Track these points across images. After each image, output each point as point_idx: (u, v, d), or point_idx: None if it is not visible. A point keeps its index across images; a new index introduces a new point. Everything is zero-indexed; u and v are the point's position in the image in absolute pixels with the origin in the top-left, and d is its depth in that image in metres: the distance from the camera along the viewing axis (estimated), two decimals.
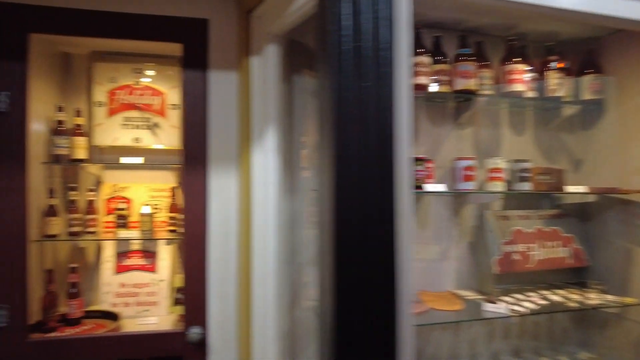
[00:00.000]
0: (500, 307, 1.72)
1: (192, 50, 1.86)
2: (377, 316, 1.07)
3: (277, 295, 1.71)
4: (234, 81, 1.87)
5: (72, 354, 1.78)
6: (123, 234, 2.15)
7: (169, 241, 2.23)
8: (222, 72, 1.87)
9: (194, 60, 1.86)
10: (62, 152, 2.13)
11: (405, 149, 1.12)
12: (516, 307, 1.78)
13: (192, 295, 1.85)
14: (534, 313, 1.77)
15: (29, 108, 1.76)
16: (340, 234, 1.05)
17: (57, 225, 2.08)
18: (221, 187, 1.87)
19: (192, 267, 1.85)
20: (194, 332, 1.81)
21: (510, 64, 1.99)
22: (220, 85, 1.87)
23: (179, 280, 2.06)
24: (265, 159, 1.71)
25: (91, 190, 2.23)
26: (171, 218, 2.32)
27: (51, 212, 2.07)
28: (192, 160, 1.85)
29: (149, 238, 2.19)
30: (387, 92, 1.09)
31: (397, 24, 1.10)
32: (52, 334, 1.94)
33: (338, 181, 1.05)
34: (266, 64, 1.72)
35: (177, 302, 2.05)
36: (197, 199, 1.84)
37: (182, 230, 2.15)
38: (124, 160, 2.19)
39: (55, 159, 2.12)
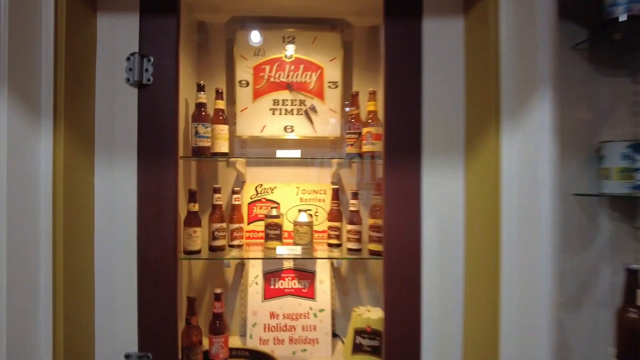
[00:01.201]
0: None
1: None
2: None
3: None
4: (459, 33, 1.25)
5: None
6: (280, 249, 1.62)
7: (336, 259, 1.66)
8: (442, 20, 1.26)
9: (400, 4, 1.26)
10: (204, 143, 1.65)
11: None
12: None
13: (395, 347, 1.26)
14: None
15: (178, 81, 1.27)
16: None
17: (198, 239, 1.60)
18: (440, 189, 1.26)
19: (397, 306, 1.26)
20: None
21: None
22: (439, 39, 1.26)
23: (360, 319, 1.48)
24: (531, 146, 1.06)
25: (235, 193, 1.73)
26: (331, 228, 1.76)
27: (192, 221, 1.60)
28: (397, 150, 1.26)
29: (312, 257, 1.64)
30: None
31: None
32: None
33: None
34: None
35: (358, 349, 1.46)
36: (405, 205, 1.25)
37: (354, 246, 1.59)
38: (280, 153, 1.66)
39: (196, 153, 1.65)
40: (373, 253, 1.60)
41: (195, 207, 1.60)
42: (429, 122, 1.27)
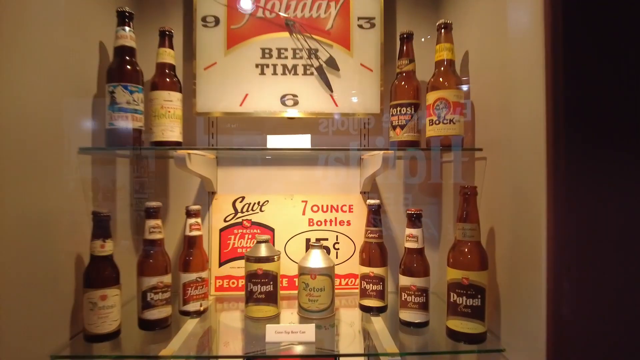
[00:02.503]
0: None
1: None
2: None
3: None
4: None
5: None
6: (272, 331, 0.82)
7: (391, 356, 0.84)
8: None
9: None
10: (129, 123, 0.86)
11: None
12: None
13: None
14: None
15: None
16: None
17: (114, 310, 0.80)
18: None
19: None
20: None
21: None
22: None
23: None
24: None
25: (192, 215, 0.93)
26: (369, 278, 0.96)
27: (100, 275, 0.80)
28: (590, 127, 0.44)
29: (339, 353, 0.84)
30: None
31: None
32: None
33: None
34: None
35: None
36: (623, 247, 0.44)
37: (414, 317, 0.82)
38: (272, 141, 0.86)
39: (114, 140, 0.85)
40: (464, 338, 0.80)
41: (106, 249, 0.80)
42: None
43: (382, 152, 0.85)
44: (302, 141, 0.88)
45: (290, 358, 0.79)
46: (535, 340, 0.67)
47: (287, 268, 1.10)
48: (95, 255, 0.80)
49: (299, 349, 0.80)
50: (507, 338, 0.78)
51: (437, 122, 0.90)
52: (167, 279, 0.87)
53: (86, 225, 0.81)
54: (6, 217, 0.64)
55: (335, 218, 1.14)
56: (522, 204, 0.71)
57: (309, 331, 0.80)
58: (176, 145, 0.95)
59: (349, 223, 1.14)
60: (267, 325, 0.82)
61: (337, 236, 1.14)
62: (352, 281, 1.13)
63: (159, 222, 0.87)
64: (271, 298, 0.93)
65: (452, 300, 0.81)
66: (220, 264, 1.11)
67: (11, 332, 0.65)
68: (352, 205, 1.14)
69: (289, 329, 0.81)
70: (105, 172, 0.96)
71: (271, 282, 0.93)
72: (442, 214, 1.13)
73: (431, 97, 0.91)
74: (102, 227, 0.81)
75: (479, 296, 0.79)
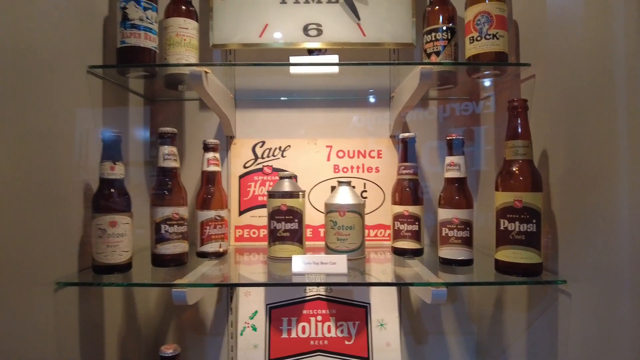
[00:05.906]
0: None
1: None
2: None
3: None
4: None
5: None
6: (298, 261, 0.73)
7: (435, 286, 0.74)
8: None
9: None
10: (143, 42, 0.79)
11: None
12: None
13: None
14: None
15: None
16: None
17: (124, 240, 0.72)
18: None
19: None
20: None
21: None
22: None
23: None
24: None
25: (209, 149, 0.85)
26: (402, 218, 0.87)
27: (110, 200, 0.73)
28: None
29: (367, 281, 0.75)
30: None
31: None
32: None
33: None
34: None
35: None
36: None
37: (456, 254, 0.71)
38: (296, 69, 0.77)
39: (125, 60, 0.78)
40: (517, 270, 0.70)
41: (116, 172, 0.73)
42: None
43: (419, 67, 0.76)
44: (329, 60, 0.79)
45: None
46: (607, 270, 0.57)
47: (310, 218, 1.01)
48: (105, 179, 0.73)
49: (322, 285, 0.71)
50: (568, 271, 0.68)
51: (478, 38, 0.81)
52: (182, 210, 0.80)
53: (97, 156, 0.74)
54: (5, 135, 0.57)
55: (363, 164, 1.05)
56: (583, 123, 0.63)
57: (340, 262, 0.71)
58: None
59: (377, 170, 1.05)
60: (294, 256, 0.73)
61: (364, 184, 1.05)
62: (382, 232, 1.03)
63: (173, 149, 0.80)
64: (296, 236, 0.84)
65: (502, 227, 0.72)
66: (241, 213, 1.03)
67: (14, 258, 0.57)
68: (380, 151, 1.05)
69: (318, 259, 0.72)
70: (117, 111, 0.90)
71: (296, 220, 0.84)
72: (482, 158, 1.03)
73: (471, 12, 0.82)
74: (112, 148, 0.74)
75: (534, 221, 0.69)
